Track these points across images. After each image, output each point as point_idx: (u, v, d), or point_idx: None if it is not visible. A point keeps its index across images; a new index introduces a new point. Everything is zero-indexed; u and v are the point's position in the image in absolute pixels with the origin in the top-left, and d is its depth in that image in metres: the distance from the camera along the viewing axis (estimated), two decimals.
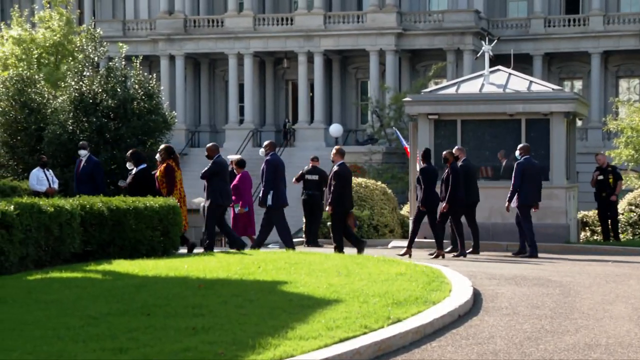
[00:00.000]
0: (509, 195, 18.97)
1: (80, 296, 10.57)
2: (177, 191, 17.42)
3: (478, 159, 21.79)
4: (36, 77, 29.03)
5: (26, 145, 26.87)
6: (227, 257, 14.96)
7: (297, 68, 55.19)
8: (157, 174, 17.43)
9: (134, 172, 17.73)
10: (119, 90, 26.48)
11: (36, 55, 35.17)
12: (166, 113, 27.73)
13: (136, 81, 27.28)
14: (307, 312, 9.63)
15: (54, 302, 10.11)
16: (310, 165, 22.27)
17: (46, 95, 28.17)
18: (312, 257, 14.95)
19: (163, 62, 56.35)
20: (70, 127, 25.80)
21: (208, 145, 18.41)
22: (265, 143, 19.34)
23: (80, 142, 21.33)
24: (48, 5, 37.77)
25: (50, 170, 22.21)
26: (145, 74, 28.81)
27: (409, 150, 24.32)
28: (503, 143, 22.08)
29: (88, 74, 27.20)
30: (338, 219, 17.93)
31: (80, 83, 26.76)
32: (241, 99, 56.20)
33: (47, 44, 35.52)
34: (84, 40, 29.20)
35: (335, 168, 17.99)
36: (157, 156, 17.71)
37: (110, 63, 28.17)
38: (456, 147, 20.06)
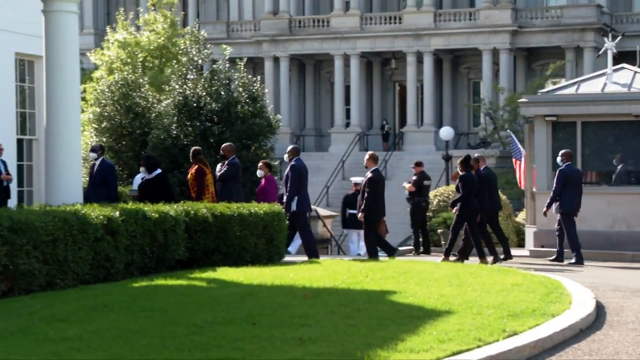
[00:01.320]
0: (548, 200, 18.85)
1: (185, 304, 10.54)
2: (208, 194, 17.27)
3: (600, 163, 21.05)
4: (141, 80, 29.27)
5: (131, 150, 27.10)
6: (334, 266, 14.76)
7: (405, 69, 54.64)
8: (188, 177, 17.21)
9: (146, 178, 17.53)
10: (222, 93, 26.47)
11: (141, 59, 35.56)
12: (270, 116, 27.60)
13: (240, 84, 27.24)
14: (417, 323, 9.41)
15: (159, 310, 10.09)
16: (418, 171, 21.65)
17: (150, 99, 28.37)
18: (422, 266, 14.67)
19: (267, 63, 56.52)
20: (174, 132, 25.89)
21: (224, 145, 18.37)
22: (289, 148, 19.08)
23: (92, 145, 20.70)
24: (153, 8, 38.16)
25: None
26: (250, 76, 28.78)
27: (520, 164, 23.49)
28: (628, 146, 21.22)
29: (192, 77, 27.27)
30: (370, 227, 17.73)
31: (184, 86, 26.85)
32: (347, 101, 55.91)
33: (152, 47, 35.87)
34: (188, 42, 29.32)
35: (369, 174, 17.79)
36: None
37: (214, 66, 28.19)
38: (476, 154, 19.74)
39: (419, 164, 21.63)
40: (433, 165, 41.77)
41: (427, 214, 22.64)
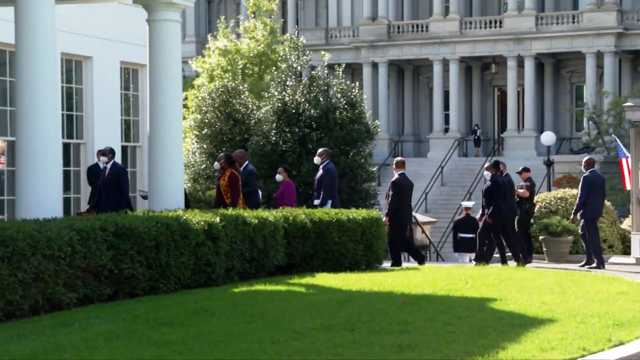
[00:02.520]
0: (575, 208, 18.84)
1: (284, 310, 10.58)
2: (240, 201, 16.73)
3: None
4: (241, 87, 29.59)
5: None
6: (433, 272, 14.64)
7: (505, 73, 53.91)
8: (221, 182, 16.69)
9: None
10: (321, 99, 26.56)
11: (241, 66, 35.95)
12: (369, 122, 27.57)
13: (339, 90, 27.29)
14: (518, 331, 9.23)
15: (259, 315, 10.14)
16: (527, 176, 21.23)
17: (250, 105, 28.65)
18: (523, 273, 14.43)
19: (366, 69, 56.51)
20: (273, 138, 26.08)
21: (236, 151, 18.17)
22: (320, 151, 18.86)
23: (102, 148, 19.40)
24: (253, 16, 38.54)
25: None
26: (348, 82, 28.82)
27: (628, 160, 22.92)
28: None
29: (291, 83, 27.44)
30: (396, 232, 17.58)
31: (283, 93, 27.03)
32: (446, 106, 55.45)
33: (252, 55, 36.23)
34: (287, 49, 29.51)
35: (394, 178, 17.79)
36: (216, 164, 17.30)
37: (313, 72, 28.32)
38: (500, 161, 19.63)
39: (527, 170, 21.28)
40: (534, 171, 40.95)
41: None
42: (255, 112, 28.23)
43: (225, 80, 31.69)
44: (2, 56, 19.80)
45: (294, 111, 26.45)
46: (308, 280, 13.64)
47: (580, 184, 18.79)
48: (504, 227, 18.29)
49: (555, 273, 14.77)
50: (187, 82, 39.31)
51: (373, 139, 27.57)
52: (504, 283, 12.78)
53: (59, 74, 13.88)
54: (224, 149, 27.54)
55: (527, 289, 12.17)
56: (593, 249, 18.67)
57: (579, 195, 18.81)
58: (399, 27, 56.28)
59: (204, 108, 28.36)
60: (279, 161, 25.48)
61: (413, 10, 58.85)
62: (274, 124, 26.37)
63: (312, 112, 26.22)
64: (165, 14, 15.33)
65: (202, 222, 13.11)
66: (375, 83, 56.31)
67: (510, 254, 18.93)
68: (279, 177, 18.81)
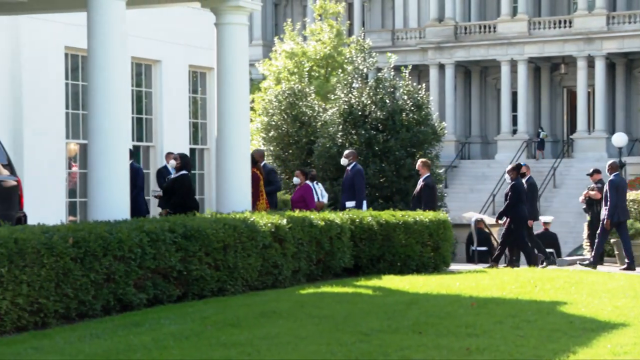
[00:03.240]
0: (608, 212, 18.47)
1: (351, 312, 10.58)
2: (262, 200, 16.66)
3: None
4: (307, 90, 29.66)
5: (297, 159, 27.48)
6: (501, 275, 14.50)
7: (575, 74, 53.18)
8: None
9: (170, 177, 16.83)
10: (387, 101, 26.50)
11: (307, 68, 36.03)
12: (435, 124, 27.43)
13: (405, 92, 27.20)
14: (590, 335, 9.11)
15: (326, 317, 10.15)
16: (598, 178, 20.94)
17: (316, 108, 28.70)
18: (594, 276, 14.21)
19: (432, 71, 56.25)
20: (340, 140, 26.09)
21: (255, 150, 17.91)
22: (347, 152, 18.82)
23: (171, 152, 19.69)
24: (319, 18, 38.61)
25: (319, 184, 22.06)
26: (414, 84, 28.70)
27: None
28: None
29: (357, 85, 27.42)
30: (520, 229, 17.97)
31: (350, 95, 27.03)
32: (514, 107, 54.89)
33: (318, 57, 36.30)
34: (353, 51, 29.50)
35: (422, 181, 17.98)
36: (295, 179, 17.57)
37: (379, 74, 28.26)
38: (523, 163, 19.67)
39: (597, 172, 20.98)
40: (605, 173, 40.36)
41: None
42: (321, 114, 28.27)
43: (292, 82, 31.79)
44: (75, 61, 20.15)
45: (360, 113, 26.43)
46: (375, 282, 13.62)
47: (609, 188, 18.59)
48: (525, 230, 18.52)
49: (628, 277, 14.53)
50: (254, 85, 39.55)
51: (440, 140, 27.41)
52: (574, 286, 12.62)
53: (129, 77, 14.07)
54: (290, 150, 27.66)
55: (599, 293, 12.00)
56: (597, 248, 18.80)
57: (609, 199, 18.56)
58: (466, 28, 55.89)
59: (270, 110, 28.49)
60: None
61: (480, 11, 58.36)
62: (340, 126, 26.38)
63: (379, 114, 26.17)
64: (232, 18, 15.45)
65: (269, 224, 13.18)
66: (442, 84, 55.99)
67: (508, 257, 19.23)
68: (296, 179, 18.71)
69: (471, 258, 23.07)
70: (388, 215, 15.79)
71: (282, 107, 28.20)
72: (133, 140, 20.98)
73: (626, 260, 18.55)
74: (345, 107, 26.62)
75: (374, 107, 26.42)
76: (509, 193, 18.29)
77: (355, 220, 15.32)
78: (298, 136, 27.68)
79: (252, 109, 31.71)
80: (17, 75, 19.03)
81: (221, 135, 15.55)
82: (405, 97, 26.99)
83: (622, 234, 18.70)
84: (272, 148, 27.96)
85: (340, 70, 32.94)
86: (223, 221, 12.60)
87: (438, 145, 27.41)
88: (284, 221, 13.52)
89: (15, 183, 14.10)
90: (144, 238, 11.20)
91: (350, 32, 51.98)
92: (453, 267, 17.04)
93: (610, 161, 19.64)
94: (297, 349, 8.41)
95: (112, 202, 12.86)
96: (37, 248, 9.91)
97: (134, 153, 18.25)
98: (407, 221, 15.60)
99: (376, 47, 43.78)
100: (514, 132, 54.70)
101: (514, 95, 54.50)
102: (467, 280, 13.46)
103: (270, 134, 28.13)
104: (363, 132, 25.93)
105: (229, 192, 15.32)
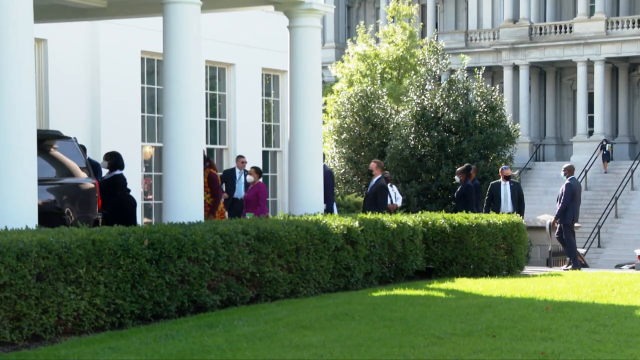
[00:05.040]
0: (558, 213, 19.04)
1: (424, 314, 10.53)
2: (220, 205, 16.06)
3: None
4: (379, 92, 29.63)
5: (369, 161, 27.43)
6: (577, 279, 14.28)
7: None
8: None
9: (103, 177, 15.89)
10: (460, 103, 26.34)
11: (380, 71, 35.99)
12: (509, 126, 27.17)
13: (478, 93, 26.99)
14: None
15: (399, 319, 10.12)
16: None
17: (389, 110, 28.66)
18: None
19: (506, 72, 55.67)
20: (412, 142, 26.01)
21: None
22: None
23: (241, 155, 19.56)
24: (392, 20, 38.53)
25: (394, 186, 21.98)
26: (488, 85, 28.46)
27: None
28: None
29: (430, 87, 27.32)
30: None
31: (422, 97, 26.93)
32: (590, 109, 54.01)
33: (391, 59, 36.22)
34: (426, 53, 29.40)
35: (377, 182, 18.09)
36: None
37: (452, 75, 28.10)
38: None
39: None
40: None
41: None
42: (393, 116, 28.22)
43: (364, 85, 31.78)
44: (151, 64, 20.46)
45: (432, 115, 26.30)
46: (447, 285, 13.54)
47: (564, 191, 19.07)
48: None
49: None
50: (327, 87, 39.64)
51: (514, 142, 27.12)
52: None
53: (204, 81, 14.24)
54: (362, 153, 27.66)
55: None
56: (571, 252, 19.23)
57: (562, 201, 19.01)
58: (541, 29, 55.19)
59: (343, 113, 28.53)
60: (417, 166, 25.40)
61: (556, 11, 57.58)
62: (413, 128, 26.29)
63: (452, 115, 26.02)
64: (305, 20, 15.51)
65: (341, 227, 13.20)
66: (515, 86, 55.38)
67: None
68: (250, 178, 17.76)
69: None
70: (461, 217, 15.69)
71: (355, 110, 28.21)
72: (207, 143, 21.21)
73: (569, 260, 19.14)
74: (418, 109, 26.51)
75: (446, 109, 26.27)
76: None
77: (427, 223, 15.26)
78: (370, 138, 27.66)
79: (324, 111, 31.80)
80: (96, 78, 19.41)
81: (294, 137, 15.61)
82: (479, 98, 26.78)
83: (568, 234, 19.13)
84: (344, 150, 27.99)
85: (412, 72, 32.81)
86: (295, 223, 12.65)
87: (512, 147, 27.12)
88: (356, 223, 13.53)
89: (93, 185, 14.36)
90: (217, 240, 11.28)
91: (423, 34, 51.74)
92: (527, 270, 16.86)
93: (567, 164, 20.00)
94: (370, 352, 8.39)
95: (187, 205, 13.01)
96: (114, 249, 10.06)
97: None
98: (480, 224, 15.48)
99: (449, 49, 43.55)
100: (590, 133, 53.82)
101: (590, 96, 53.60)
102: (542, 284, 13.30)
103: (342, 136, 28.17)
104: (436, 134, 25.80)
105: (302, 195, 15.38)
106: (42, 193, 12.19)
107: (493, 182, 20.34)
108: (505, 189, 19.69)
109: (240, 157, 19.21)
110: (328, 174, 17.49)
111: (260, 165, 21.19)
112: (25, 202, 10.88)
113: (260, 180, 17.71)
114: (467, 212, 17.00)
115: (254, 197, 17.32)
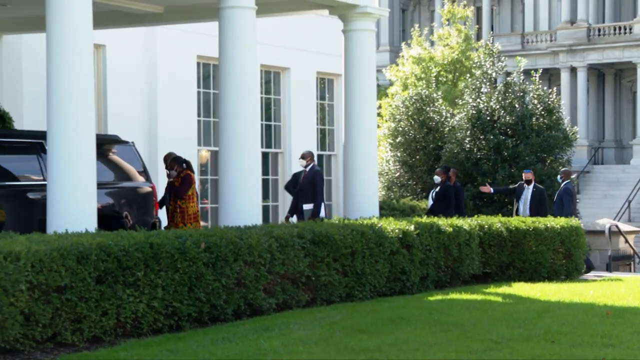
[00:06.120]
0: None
1: (480, 319, 10.46)
2: (193, 206, 15.52)
3: None
4: (434, 95, 29.53)
5: (424, 165, 27.38)
6: (638, 284, 14.07)
7: None
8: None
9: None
10: (517, 106, 26.14)
11: (434, 74, 35.85)
12: (567, 129, 26.88)
13: (535, 96, 26.76)
14: None
15: (455, 324, 10.08)
16: None
17: (444, 113, 28.54)
18: None
19: (563, 74, 55.11)
20: (467, 146, 25.87)
21: (304, 152, 17.34)
22: (304, 153, 17.38)
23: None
24: (447, 23, 38.37)
25: None
26: (545, 88, 28.19)
27: None
28: None
29: (485, 90, 27.14)
30: None
31: (478, 100, 26.77)
32: None
33: (446, 62, 36.07)
34: (481, 56, 29.22)
35: (442, 186, 18.30)
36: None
37: (508, 78, 27.89)
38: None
39: None
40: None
41: None
42: (449, 119, 28.09)
43: (419, 88, 31.67)
44: (207, 69, 20.63)
45: (488, 118, 26.14)
46: (504, 289, 13.44)
47: (563, 194, 18.99)
48: None
49: None
50: (381, 91, 39.59)
51: (571, 145, 26.83)
52: None
53: (259, 85, 14.31)
54: (417, 156, 27.57)
55: None
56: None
57: (565, 205, 18.85)
58: (599, 30, 54.53)
59: (397, 116, 28.47)
60: (472, 169, 25.25)
61: (615, 12, 56.87)
62: (468, 132, 26.15)
63: (508, 119, 25.83)
64: (360, 24, 15.53)
65: (396, 230, 13.18)
66: (573, 88, 54.79)
67: None
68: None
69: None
70: (517, 221, 15.58)
71: (410, 113, 28.14)
72: (262, 146, 21.30)
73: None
74: (474, 112, 26.37)
75: (502, 112, 26.09)
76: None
77: (484, 227, 15.18)
78: (425, 142, 27.57)
79: (379, 114, 31.73)
80: (152, 83, 19.63)
81: (348, 141, 15.63)
82: (536, 101, 26.55)
83: None
84: (399, 154, 27.94)
85: (468, 75, 32.64)
86: (351, 227, 12.65)
87: (569, 150, 26.83)
88: (412, 227, 13.49)
89: (150, 189, 14.52)
90: (273, 243, 11.33)
91: (478, 37, 51.43)
92: (587, 274, 16.67)
93: (564, 169, 19.97)
94: (426, 356, 8.36)
95: (243, 208, 13.08)
96: (171, 253, 10.13)
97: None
98: (537, 228, 15.36)
99: (505, 51, 43.24)
100: None
101: None
102: (602, 289, 13.14)
103: (397, 140, 28.11)
104: (491, 137, 25.63)
105: (357, 198, 15.39)
106: (101, 197, 12.36)
107: (520, 183, 20.14)
108: (527, 192, 19.49)
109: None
110: (316, 174, 17.03)
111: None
112: (85, 206, 11.05)
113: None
114: (446, 214, 16.51)
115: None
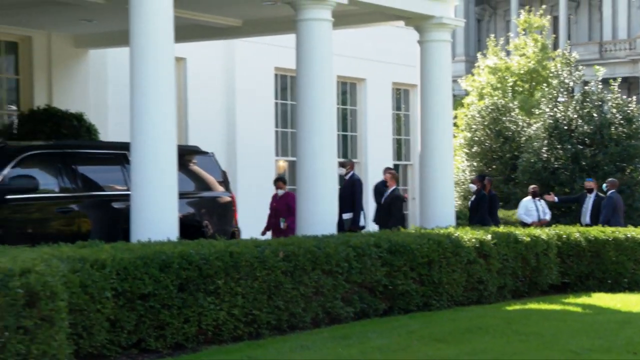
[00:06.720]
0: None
1: (560, 329, 10.39)
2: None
3: None
4: (510, 105, 29.37)
5: (501, 174, 27.24)
6: None
7: None
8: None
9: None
10: (594, 115, 25.85)
11: (510, 83, 35.61)
12: None
13: (614, 105, 26.42)
14: None
15: (534, 334, 10.02)
16: None
17: (520, 123, 28.38)
18: None
19: None
20: (544, 155, 25.67)
21: (344, 160, 17.16)
22: (343, 161, 17.40)
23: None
24: (523, 33, 38.10)
25: (542, 201, 21.17)
26: (624, 96, 27.82)
27: None
28: None
29: (563, 99, 26.91)
30: None
31: (555, 109, 26.55)
32: None
33: (522, 72, 35.81)
34: (558, 65, 28.98)
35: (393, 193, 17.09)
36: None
37: (586, 87, 27.61)
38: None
39: None
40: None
41: None
42: (525, 129, 27.91)
43: (495, 97, 31.53)
44: (284, 81, 20.88)
45: (566, 127, 25.91)
46: (584, 300, 13.33)
47: (605, 203, 18.78)
48: None
49: None
50: (457, 101, 39.42)
51: None
52: None
53: (335, 96, 14.46)
54: (493, 166, 27.44)
55: None
56: None
57: (603, 214, 18.66)
58: None
59: (473, 126, 28.39)
60: (549, 178, 25.03)
61: None
62: (545, 141, 25.94)
63: (585, 128, 25.57)
64: (436, 35, 15.58)
65: (473, 240, 13.17)
66: None
67: None
68: (280, 191, 17.25)
69: None
70: (597, 231, 15.42)
71: (486, 123, 28.04)
72: (339, 156, 21.45)
73: None
74: (551, 121, 26.16)
75: (580, 121, 25.83)
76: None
77: (562, 237, 15.07)
78: (502, 151, 27.43)
79: (455, 124, 31.63)
80: (231, 95, 19.95)
81: (425, 151, 15.67)
82: (614, 110, 26.22)
83: None
84: (475, 163, 27.84)
85: (545, 85, 32.33)
86: (427, 236, 12.69)
87: None
88: (489, 237, 13.48)
89: (229, 199, 14.75)
90: (350, 253, 11.41)
91: (555, 46, 50.90)
92: None
93: (610, 179, 19.73)
94: None
95: (320, 218, 13.21)
96: (251, 261, 10.25)
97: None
98: (617, 237, 15.19)
99: (583, 60, 42.71)
100: None
101: None
102: None
103: (473, 150, 28.03)
104: (569, 146, 25.40)
105: (433, 208, 15.42)
106: (182, 206, 12.58)
107: (582, 192, 20.05)
108: (588, 201, 19.49)
109: (388, 169, 19.15)
110: (355, 183, 16.99)
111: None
112: (167, 215, 11.29)
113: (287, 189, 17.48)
114: (482, 223, 16.37)
115: (284, 207, 17.04)
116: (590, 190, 19.58)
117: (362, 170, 22.10)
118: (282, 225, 16.74)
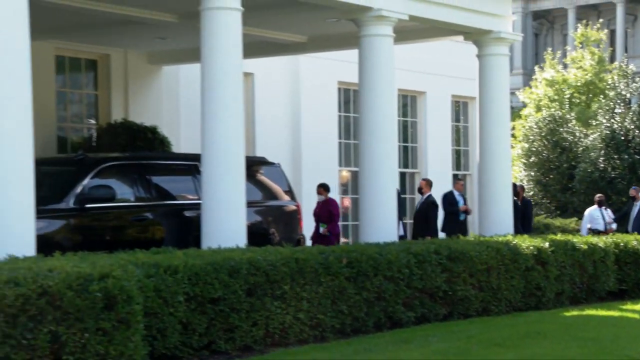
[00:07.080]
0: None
1: (618, 335, 10.46)
2: None
3: None
4: (568, 116, 29.45)
5: (558, 184, 27.34)
6: None
7: None
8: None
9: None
10: None
11: (568, 95, 35.61)
12: None
13: None
14: None
15: (592, 340, 10.11)
16: None
17: (577, 134, 28.44)
18: None
19: None
20: (601, 165, 25.74)
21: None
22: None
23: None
24: (580, 46, 38.10)
25: (608, 210, 21.01)
26: None
27: None
28: None
29: (620, 110, 26.95)
30: None
31: (612, 120, 26.61)
32: None
33: (579, 84, 35.81)
34: (615, 77, 29.02)
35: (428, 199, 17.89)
36: None
37: None
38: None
39: None
40: None
41: None
42: (582, 140, 27.98)
43: (552, 109, 31.61)
44: (347, 94, 21.31)
45: (622, 138, 25.95)
46: None
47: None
48: None
49: None
50: (515, 113, 39.48)
51: None
52: None
53: (396, 108, 14.79)
54: (550, 175, 27.57)
55: None
56: None
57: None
58: None
59: (531, 137, 28.55)
60: (607, 188, 25.10)
61: None
62: (602, 151, 26.01)
63: None
64: (494, 49, 15.83)
65: (531, 247, 13.40)
66: None
67: None
68: (320, 197, 17.16)
69: None
70: None
71: (543, 134, 28.18)
72: (400, 167, 21.80)
73: None
74: (607, 132, 26.22)
75: (637, 132, 25.85)
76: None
77: (619, 244, 15.22)
78: (559, 162, 27.54)
79: (512, 135, 31.74)
80: (296, 108, 20.42)
81: (483, 161, 15.91)
82: None
83: None
84: (532, 173, 27.99)
85: (601, 96, 32.35)
86: (486, 244, 12.93)
87: None
88: (547, 244, 13.69)
89: (295, 208, 15.15)
90: (411, 259, 11.66)
91: (612, 59, 50.60)
92: None
93: (634, 186, 19.80)
94: None
95: (382, 225, 13.54)
96: (315, 267, 10.52)
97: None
98: None
99: (639, 73, 42.40)
100: None
101: None
102: None
103: (530, 160, 28.18)
104: (626, 156, 25.44)
105: (492, 216, 15.64)
106: (250, 215, 12.96)
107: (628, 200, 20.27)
108: (634, 210, 19.57)
109: (458, 179, 19.79)
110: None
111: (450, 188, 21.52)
112: (236, 224, 11.60)
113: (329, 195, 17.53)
114: (518, 230, 16.36)
115: (326, 213, 17.07)
116: (634, 199, 19.63)
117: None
118: (322, 230, 16.81)
